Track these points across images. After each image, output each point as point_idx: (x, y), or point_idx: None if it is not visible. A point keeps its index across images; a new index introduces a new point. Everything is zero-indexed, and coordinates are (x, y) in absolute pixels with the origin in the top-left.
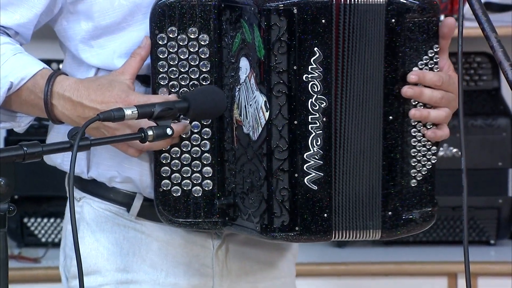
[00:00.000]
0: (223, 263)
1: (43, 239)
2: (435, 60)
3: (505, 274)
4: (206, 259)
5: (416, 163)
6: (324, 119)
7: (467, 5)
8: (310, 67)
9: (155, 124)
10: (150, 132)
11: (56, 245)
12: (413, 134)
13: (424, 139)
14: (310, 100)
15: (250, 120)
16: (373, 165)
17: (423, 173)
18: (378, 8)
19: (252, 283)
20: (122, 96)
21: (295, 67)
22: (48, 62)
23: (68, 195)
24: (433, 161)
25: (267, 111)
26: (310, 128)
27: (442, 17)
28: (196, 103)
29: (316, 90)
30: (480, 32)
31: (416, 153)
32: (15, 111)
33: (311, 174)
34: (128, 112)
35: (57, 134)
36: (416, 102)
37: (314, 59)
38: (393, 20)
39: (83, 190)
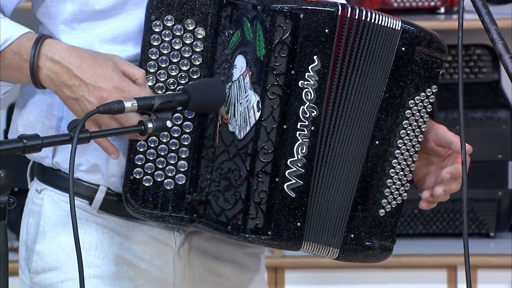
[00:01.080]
0: (185, 261)
1: None
2: (430, 100)
3: (505, 266)
4: (168, 256)
5: (389, 194)
6: (313, 128)
7: None
8: (307, 74)
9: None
10: (150, 125)
11: None
12: (393, 165)
13: (401, 173)
14: (302, 107)
15: (238, 119)
16: (348, 184)
17: (393, 206)
18: (393, 33)
19: (216, 281)
20: (114, 79)
21: (292, 72)
22: None
23: (27, 186)
24: (404, 198)
25: (258, 111)
26: (297, 135)
27: (442, 9)
28: (196, 95)
29: (309, 98)
30: (480, 24)
31: (391, 184)
32: None
33: (292, 180)
34: (128, 104)
35: (23, 99)
36: (405, 135)
37: (312, 67)
38: (403, 48)
39: (44, 181)
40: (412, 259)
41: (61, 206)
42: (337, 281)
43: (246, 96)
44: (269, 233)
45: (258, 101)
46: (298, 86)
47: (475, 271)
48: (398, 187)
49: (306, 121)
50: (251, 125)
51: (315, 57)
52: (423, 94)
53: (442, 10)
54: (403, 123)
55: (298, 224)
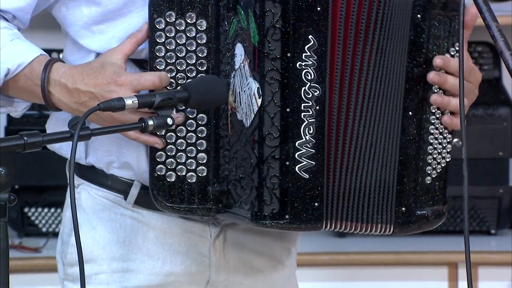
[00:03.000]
0: (221, 253)
1: (44, 229)
2: (456, 59)
3: (506, 263)
4: (204, 248)
5: (432, 160)
6: (317, 107)
7: None
8: (304, 54)
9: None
10: (150, 122)
11: (57, 234)
12: (431, 131)
13: (440, 136)
14: (303, 88)
15: (243, 107)
16: (388, 159)
17: (438, 170)
18: (405, 3)
19: (250, 274)
20: (114, 77)
21: (288, 54)
22: (49, 51)
23: (68, 182)
24: (447, 159)
25: (259, 98)
26: (302, 116)
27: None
28: (197, 93)
29: (309, 78)
30: (481, 21)
31: (432, 151)
32: (12, 97)
33: (303, 162)
34: (128, 102)
35: (56, 120)
36: (437, 91)
37: (308, 47)
38: (419, 16)
39: (81, 176)
40: (413, 256)
41: (97, 200)
42: (337, 278)
43: (248, 84)
44: (287, 216)
45: (258, 87)
46: (297, 68)
47: (476, 268)
48: (439, 151)
49: (310, 102)
50: (255, 113)
51: (310, 36)
52: (447, 55)
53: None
54: (433, 87)
55: (316, 204)
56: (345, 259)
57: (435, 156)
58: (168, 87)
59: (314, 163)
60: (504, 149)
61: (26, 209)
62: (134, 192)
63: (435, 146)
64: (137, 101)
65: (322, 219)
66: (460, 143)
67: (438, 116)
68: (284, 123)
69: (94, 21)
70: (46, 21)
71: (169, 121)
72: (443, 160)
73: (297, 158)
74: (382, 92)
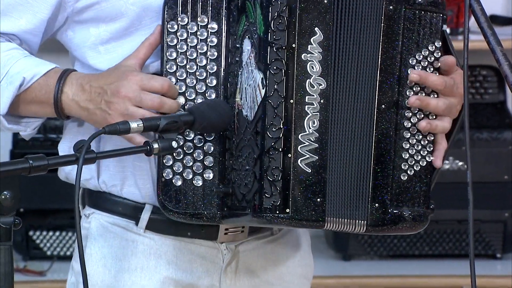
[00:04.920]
0: (232, 280)
1: (49, 252)
2: (435, 56)
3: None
4: (215, 275)
5: (408, 157)
6: (322, 101)
7: (472, 19)
8: (310, 46)
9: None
10: (155, 145)
11: (62, 258)
12: (406, 126)
13: (418, 133)
14: (308, 80)
15: (248, 101)
16: (363, 153)
17: (416, 169)
18: None
19: None
20: (126, 73)
21: (293, 45)
22: None
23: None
24: (428, 159)
25: (263, 88)
26: (306, 109)
27: (448, 29)
28: (202, 116)
29: (315, 70)
30: (485, 45)
31: (408, 147)
32: (21, 117)
33: (306, 156)
34: (133, 125)
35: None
36: (412, 94)
37: (314, 39)
38: (391, 7)
39: (93, 205)
40: (418, 280)
41: (107, 228)
42: None
43: (253, 76)
44: (288, 210)
45: (262, 78)
46: (302, 59)
47: None
48: (417, 148)
49: (314, 94)
50: (258, 104)
51: (316, 28)
52: (425, 50)
53: (448, 31)
54: (408, 82)
55: (318, 200)
56: (350, 283)
57: (412, 153)
58: (179, 91)
59: (317, 157)
60: (509, 173)
61: (31, 233)
62: (145, 216)
63: (412, 142)
64: (142, 125)
65: (324, 216)
66: (465, 166)
67: (415, 112)
68: (287, 115)
69: (101, 41)
70: (55, 45)
71: (174, 144)
72: (423, 160)
73: (300, 151)
74: (358, 84)
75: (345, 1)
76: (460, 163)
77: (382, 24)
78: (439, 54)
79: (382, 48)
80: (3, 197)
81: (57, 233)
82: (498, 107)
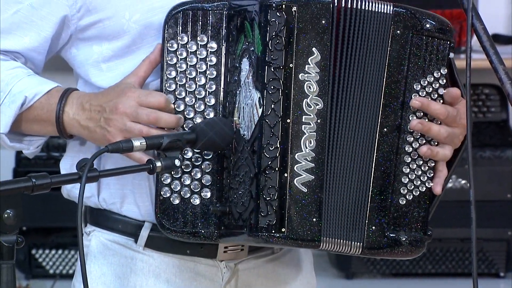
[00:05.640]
0: None
1: (51, 271)
2: (441, 82)
3: None
4: None
5: (408, 181)
6: (319, 120)
7: (475, 37)
8: (307, 66)
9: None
10: (158, 164)
11: (64, 276)
12: (408, 150)
13: (419, 159)
14: (305, 100)
15: (246, 121)
16: (363, 175)
17: (415, 194)
18: (384, 17)
19: None
20: (125, 90)
21: (291, 65)
22: None
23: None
24: (428, 185)
25: (260, 108)
26: (303, 128)
27: (451, 54)
28: (204, 135)
29: (311, 90)
30: (488, 64)
31: (408, 171)
32: (23, 135)
33: (302, 175)
34: (136, 143)
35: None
36: (414, 118)
37: (311, 59)
38: (398, 31)
39: (93, 223)
40: None
41: (107, 245)
42: None
43: (250, 96)
44: (283, 230)
45: (259, 97)
46: (299, 79)
47: None
48: (417, 174)
49: (311, 114)
50: (255, 123)
51: (313, 49)
52: (430, 76)
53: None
54: (411, 107)
55: (314, 220)
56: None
57: (411, 177)
58: (177, 110)
59: (313, 177)
60: None
61: (33, 251)
62: (144, 234)
63: (412, 167)
64: (145, 143)
65: (320, 236)
66: (468, 185)
67: (417, 137)
68: (284, 134)
69: (104, 58)
70: (61, 63)
71: (177, 162)
72: (422, 185)
73: (296, 170)
74: (361, 106)
75: (348, 22)
76: (463, 182)
77: (388, 48)
78: (444, 81)
79: (387, 72)
80: (6, 215)
81: (60, 252)
82: (500, 125)
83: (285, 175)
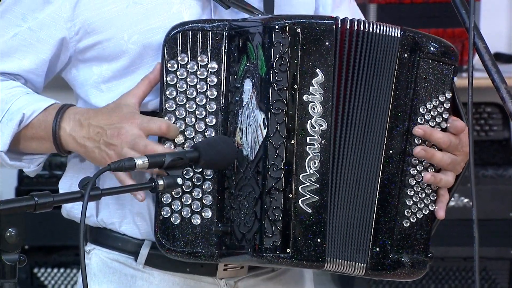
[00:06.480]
0: None
1: None
2: (445, 106)
3: None
4: None
5: (412, 204)
6: (323, 141)
7: (476, 56)
8: (311, 87)
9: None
10: (160, 182)
11: None
12: (412, 173)
13: (423, 182)
14: (309, 121)
15: (249, 141)
16: (368, 196)
17: (418, 216)
18: (392, 41)
19: None
20: (128, 116)
21: (295, 86)
22: None
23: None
24: (431, 208)
25: (264, 129)
26: (307, 149)
27: (455, 78)
28: (207, 153)
29: (316, 111)
30: (490, 82)
31: (413, 194)
32: (23, 153)
33: (306, 196)
34: (139, 162)
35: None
36: (420, 142)
37: (315, 80)
38: (405, 55)
39: (93, 241)
40: None
41: (107, 264)
42: None
43: (254, 117)
44: (288, 250)
45: (263, 118)
46: (303, 100)
47: None
48: (421, 196)
49: (315, 135)
50: (260, 144)
51: (318, 70)
52: (436, 100)
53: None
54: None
55: (318, 240)
56: None
57: (415, 200)
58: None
59: (317, 197)
60: None
61: (35, 270)
62: (144, 252)
63: (416, 190)
64: (147, 161)
65: (324, 257)
66: (471, 203)
67: (422, 160)
68: (289, 155)
69: (103, 79)
70: (61, 82)
71: (179, 180)
72: (426, 208)
73: (301, 191)
74: (367, 127)
75: (354, 44)
76: (466, 200)
77: (395, 71)
78: (449, 105)
79: (394, 95)
80: (8, 234)
81: (62, 270)
82: (503, 144)
83: (290, 195)
